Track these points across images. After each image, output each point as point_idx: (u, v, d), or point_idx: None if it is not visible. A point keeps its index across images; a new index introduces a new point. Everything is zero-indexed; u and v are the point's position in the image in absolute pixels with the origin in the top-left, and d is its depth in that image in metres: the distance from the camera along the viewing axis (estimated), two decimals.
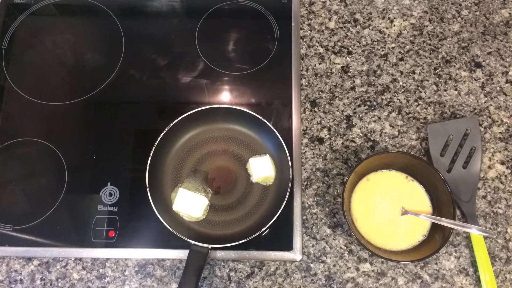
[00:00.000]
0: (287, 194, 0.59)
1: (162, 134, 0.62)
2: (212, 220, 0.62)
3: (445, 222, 0.55)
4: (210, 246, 0.57)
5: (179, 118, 0.63)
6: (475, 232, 0.56)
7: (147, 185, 0.60)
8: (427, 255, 0.54)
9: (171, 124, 0.63)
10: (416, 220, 0.58)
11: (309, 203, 0.64)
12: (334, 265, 0.61)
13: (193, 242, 0.57)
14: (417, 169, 0.60)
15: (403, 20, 0.74)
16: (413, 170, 0.60)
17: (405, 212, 0.59)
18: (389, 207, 0.59)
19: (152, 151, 0.61)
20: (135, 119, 0.69)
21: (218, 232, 0.62)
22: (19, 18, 0.75)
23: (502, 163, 0.66)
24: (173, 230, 0.58)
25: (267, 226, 0.58)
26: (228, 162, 0.65)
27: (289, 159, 0.61)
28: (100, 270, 0.62)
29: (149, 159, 0.61)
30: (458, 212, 0.63)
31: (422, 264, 0.61)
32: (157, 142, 0.61)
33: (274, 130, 0.62)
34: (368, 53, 0.72)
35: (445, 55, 0.71)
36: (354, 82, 0.70)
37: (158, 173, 0.63)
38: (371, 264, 0.61)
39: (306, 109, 0.69)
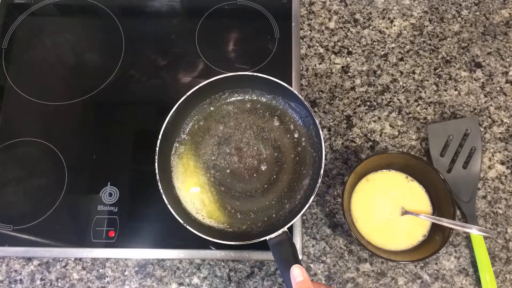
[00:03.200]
0: (319, 181, 0.54)
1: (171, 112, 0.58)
2: (236, 208, 0.59)
3: (445, 222, 0.55)
4: (286, 228, 0.52)
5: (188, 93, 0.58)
6: (475, 233, 0.56)
7: (169, 205, 0.54)
8: (427, 255, 0.54)
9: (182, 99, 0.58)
10: (416, 220, 0.58)
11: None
12: (334, 265, 0.61)
13: (268, 237, 0.52)
14: (417, 169, 0.60)
15: (403, 20, 0.74)
16: (413, 170, 0.60)
17: (405, 212, 0.59)
18: (389, 207, 0.59)
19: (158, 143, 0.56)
20: (135, 119, 0.69)
21: (244, 225, 0.58)
22: (19, 18, 0.75)
23: (502, 163, 0.66)
24: (239, 242, 0.53)
25: (305, 208, 0.53)
26: (250, 145, 0.61)
27: (323, 142, 0.55)
28: (100, 270, 0.62)
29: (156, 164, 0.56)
30: (458, 212, 0.63)
31: (422, 264, 0.61)
32: (162, 130, 0.57)
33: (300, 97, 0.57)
34: (368, 53, 0.72)
35: (445, 55, 0.71)
36: (354, 82, 0.70)
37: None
38: (371, 264, 0.61)
39: None
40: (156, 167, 0.56)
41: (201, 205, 0.60)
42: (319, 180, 0.54)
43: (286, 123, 0.62)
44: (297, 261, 0.49)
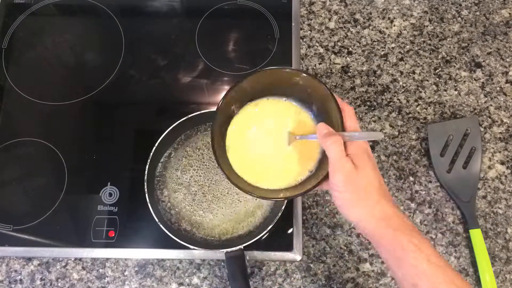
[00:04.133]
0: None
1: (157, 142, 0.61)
2: (216, 224, 0.62)
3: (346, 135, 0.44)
4: (242, 246, 0.57)
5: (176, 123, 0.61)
6: (362, 138, 0.45)
7: (154, 216, 0.58)
8: (311, 187, 0.46)
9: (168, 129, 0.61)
10: (302, 152, 0.50)
11: (309, 203, 0.64)
12: (334, 265, 0.61)
13: (225, 250, 0.56)
14: (308, 92, 0.49)
15: (403, 20, 0.74)
16: (305, 96, 0.50)
17: (293, 139, 0.50)
18: (275, 138, 0.51)
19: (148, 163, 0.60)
20: (135, 119, 0.69)
21: (226, 236, 0.62)
22: (19, 18, 0.75)
23: (502, 163, 0.66)
24: (200, 248, 0.57)
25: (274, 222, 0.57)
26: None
27: None
28: (100, 270, 0.62)
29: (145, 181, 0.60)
30: (458, 213, 0.63)
31: None
32: (152, 152, 0.61)
33: None
34: (368, 53, 0.72)
35: (445, 55, 0.71)
36: (354, 82, 0.70)
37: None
38: (371, 264, 0.61)
39: None
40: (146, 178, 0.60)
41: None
42: (280, 212, 0.57)
43: None
44: (244, 275, 0.55)
